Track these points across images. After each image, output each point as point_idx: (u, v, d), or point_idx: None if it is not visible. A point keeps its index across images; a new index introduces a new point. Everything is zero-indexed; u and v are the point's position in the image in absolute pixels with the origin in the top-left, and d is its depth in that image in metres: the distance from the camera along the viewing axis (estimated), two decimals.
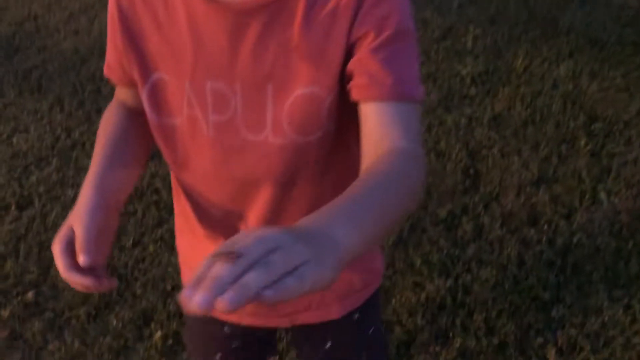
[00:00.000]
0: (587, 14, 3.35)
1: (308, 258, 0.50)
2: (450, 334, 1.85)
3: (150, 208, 2.37)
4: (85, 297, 2.03)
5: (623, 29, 3.20)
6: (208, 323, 1.10)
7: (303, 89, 0.78)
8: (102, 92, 3.07)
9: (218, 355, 1.16)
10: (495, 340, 1.81)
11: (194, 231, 0.99)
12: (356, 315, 1.05)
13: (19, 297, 2.06)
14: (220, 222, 0.94)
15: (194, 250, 1.04)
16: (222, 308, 0.46)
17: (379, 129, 0.74)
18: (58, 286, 2.09)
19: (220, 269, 0.48)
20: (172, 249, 2.19)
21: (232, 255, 0.49)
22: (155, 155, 2.69)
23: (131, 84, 0.87)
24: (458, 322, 1.88)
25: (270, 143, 0.82)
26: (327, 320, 1.04)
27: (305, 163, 0.84)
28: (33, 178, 2.57)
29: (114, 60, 0.88)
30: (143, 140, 0.91)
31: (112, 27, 0.85)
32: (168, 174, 2.63)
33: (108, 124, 0.92)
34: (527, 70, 2.93)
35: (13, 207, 2.43)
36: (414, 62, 0.78)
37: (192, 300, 0.46)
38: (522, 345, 1.80)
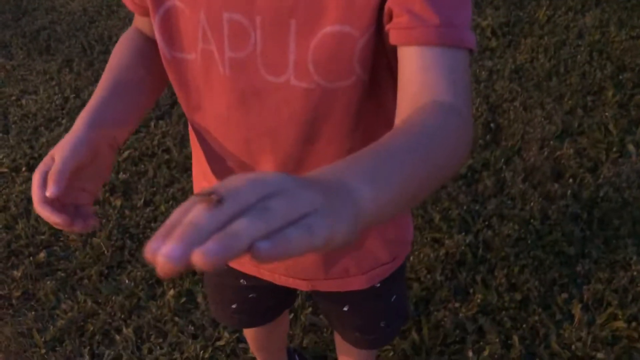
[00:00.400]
0: None
1: (317, 207, 0.39)
2: (471, 290, 1.79)
3: (162, 167, 2.31)
4: (97, 257, 2.00)
5: None
6: (224, 275, 1.05)
7: (332, 27, 0.67)
8: (110, 51, 2.99)
9: (234, 305, 1.12)
10: (518, 296, 1.75)
11: (209, 181, 0.93)
12: (378, 285, 0.99)
13: (31, 258, 2.03)
14: (231, 174, 0.85)
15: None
16: (200, 262, 0.34)
17: (418, 78, 0.63)
18: (70, 246, 2.06)
19: (199, 213, 0.36)
20: None
21: (215, 198, 0.36)
22: (165, 114, 2.64)
23: (146, 12, 0.79)
24: (479, 278, 1.81)
25: (293, 87, 0.72)
26: (347, 290, 0.98)
27: (331, 114, 0.74)
28: (43, 139, 2.53)
29: None
30: (154, 70, 0.83)
31: None
32: (179, 133, 2.59)
33: (118, 50, 0.84)
34: (551, 20, 2.79)
35: (24, 169, 2.40)
36: (466, 3, 0.65)
37: (159, 253, 0.34)
38: (545, 301, 1.74)
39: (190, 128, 0.89)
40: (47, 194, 0.66)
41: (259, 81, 0.73)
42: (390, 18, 0.65)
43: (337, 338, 1.22)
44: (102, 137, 0.74)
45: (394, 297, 1.06)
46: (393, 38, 0.65)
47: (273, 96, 0.74)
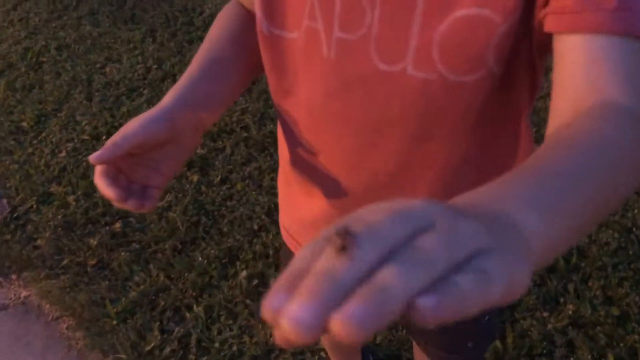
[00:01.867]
0: None
1: (485, 244, 0.29)
2: (561, 300, 1.66)
3: (239, 145, 2.27)
4: (171, 231, 1.98)
5: None
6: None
7: (468, 9, 0.56)
8: (194, 23, 2.98)
9: None
10: (615, 311, 1.60)
11: (289, 180, 0.84)
12: None
13: (107, 227, 2.03)
14: (319, 174, 0.76)
15: (290, 203, 0.89)
16: (342, 331, 0.25)
17: (585, 74, 0.50)
18: (145, 219, 2.05)
19: (334, 261, 0.27)
20: (260, 187, 2.10)
21: (352, 238, 0.27)
22: (245, 91, 2.59)
23: None
24: (571, 287, 1.67)
25: (409, 77, 0.61)
26: None
27: (449, 111, 0.63)
28: (124, 109, 2.53)
29: None
30: (249, 53, 0.75)
31: None
32: (258, 111, 2.54)
33: (216, 28, 0.77)
34: None
35: (104, 137, 2.41)
36: None
37: (285, 315, 0.26)
38: None
39: (278, 124, 0.80)
40: (90, 159, 0.62)
41: (369, 68, 0.63)
42: (547, 1, 0.53)
43: (417, 352, 1.12)
44: (187, 117, 0.68)
45: (487, 317, 0.96)
46: (551, 24, 0.53)
47: (383, 87, 0.63)
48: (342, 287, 0.26)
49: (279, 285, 0.27)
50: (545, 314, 1.63)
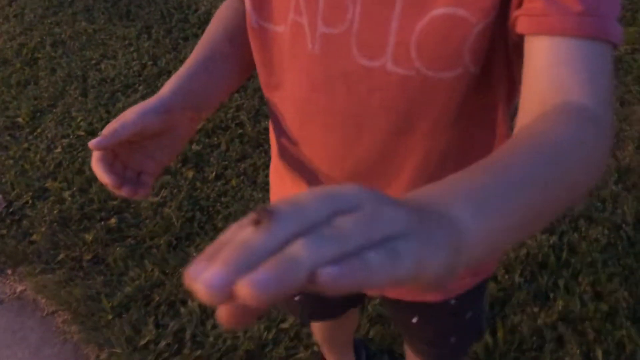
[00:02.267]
0: None
1: (406, 230, 0.31)
2: (551, 296, 1.68)
3: (234, 141, 2.28)
4: (166, 227, 1.99)
5: None
6: None
7: (444, 9, 0.59)
8: (189, 20, 2.98)
9: (297, 297, 1.07)
10: (604, 307, 1.62)
11: (279, 171, 0.86)
12: (453, 301, 0.90)
13: (103, 223, 2.05)
14: (306, 165, 0.78)
15: (280, 194, 0.92)
16: (246, 294, 0.27)
17: (549, 75, 0.53)
18: (140, 214, 2.06)
19: (251, 233, 0.29)
20: (254, 183, 2.11)
21: (273, 214, 0.29)
22: (241, 87, 2.61)
23: None
24: (561, 283, 1.70)
25: (388, 72, 0.64)
26: (419, 301, 0.90)
27: (428, 106, 0.66)
28: (119, 105, 2.54)
29: None
30: (243, 49, 0.78)
31: None
32: (253, 107, 2.54)
33: (213, 24, 0.80)
34: None
35: (99, 133, 2.42)
36: None
37: (199, 279, 0.28)
38: (635, 314, 1.61)
39: (270, 116, 0.82)
40: (90, 144, 0.65)
41: (350, 63, 0.65)
42: (521, 3, 0.55)
43: (406, 346, 1.14)
44: (183, 109, 0.71)
45: (470, 314, 0.97)
46: (521, 26, 0.55)
47: (364, 81, 0.66)
48: (253, 256, 0.28)
49: (202, 255, 0.29)
50: (536, 309, 1.65)
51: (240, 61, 0.78)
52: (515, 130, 0.53)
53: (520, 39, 0.57)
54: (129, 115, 0.67)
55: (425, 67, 0.62)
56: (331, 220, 0.30)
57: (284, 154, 0.82)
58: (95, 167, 0.66)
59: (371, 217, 0.30)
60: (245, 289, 0.27)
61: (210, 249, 0.30)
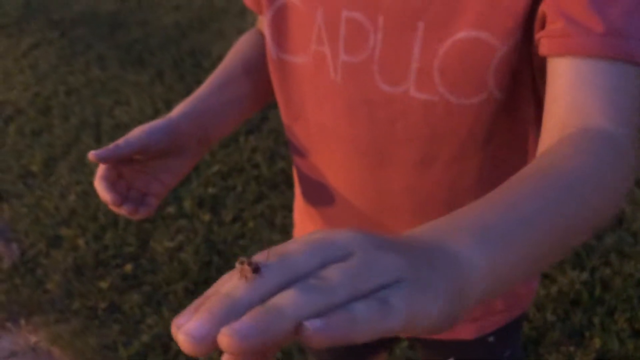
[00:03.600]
0: None
1: (399, 277, 0.30)
2: (587, 334, 1.61)
3: (250, 183, 2.26)
4: (183, 272, 1.94)
5: None
6: None
7: (467, 32, 0.57)
8: (202, 65, 3.01)
9: None
10: None
11: (303, 208, 0.84)
12: (491, 338, 0.85)
13: (118, 269, 2.00)
14: (330, 200, 0.76)
15: (301, 228, 0.89)
16: (226, 345, 0.26)
17: (571, 99, 0.51)
18: (157, 260, 2.02)
19: (236, 283, 0.29)
20: (272, 225, 2.07)
21: (258, 266, 0.29)
22: (255, 128, 2.60)
23: (260, 9, 0.73)
24: (596, 320, 1.63)
25: (411, 98, 0.62)
26: (454, 339, 0.85)
27: (453, 133, 0.64)
28: None
29: None
30: (259, 80, 0.77)
31: None
32: (268, 148, 2.53)
33: (234, 50, 0.80)
34: None
35: None
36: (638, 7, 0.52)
37: (181, 331, 0.28)
38: None
39: (291, 149, 0.80)
40: (89, 154, 0.64)
41: (373, 90, 0.64)
42: (544, 25, 0.54)
43: None
44: (191, 130, 0.70)
45: (508, 352, 0.92)
46: (544, 48, 0.53)
47: (387, 108, 0.64)
48: (236, 307, 0.28)
49: (189, 306, 0.29)
50: (572, 349, 1.58)
51: (255, 91, 0.78)
52: (538, 152, 0.51)
53: (544, 61, 0.55)
54: (135, 132, 0.67)
55: (448, 92, 0.61)
56: (320, 270, 0.29)
57: (306, 189, 0.80)
58: (97, 183, 0.65)
59: (361, 266, 0.30)
60: (225, 338, 0.26)
61: (197, 300, 0.30)
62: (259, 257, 0.30)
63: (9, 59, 3.40)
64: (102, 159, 0.65)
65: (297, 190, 0.85)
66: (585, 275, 1.73)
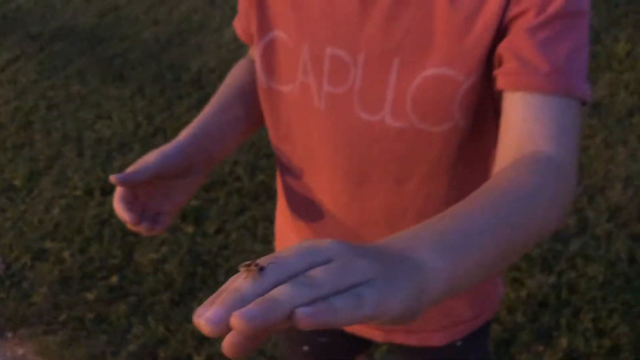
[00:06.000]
0: None
1: (371, 277, 0.38)
2: (555, 334, 1.70)
3: (232, 195, 2.32)
4: (168, 283, 2.00)
5: None
6: None
7: (435, 69, 0.66)
8: (182, 79, 3.06)
9: (305, 348, 1.08)
10: (607, 343, 1.65)
11: (286, 220, 0.91)
12: (459, 343, 0.93)
13: (104, 281, 2.05)
14: (314, 213, 0.83)
15: (283, 239, 0.96)
16: (238, 325, 0.34)
17: (521, 127, 0.60)
18: (142, 271, 2.07)
19: (243, 282, 0.37)
20: (254, 236, 2.14)
21: (260, 267, 0.37)
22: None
23: (251, 40, 0.81)
24: (563, 321, 1.73)
25: (387, 126, 0.71)
26: (425, 345, 0.93)
27: (424, 156, 0.72)
28: (116, 164, 2.57)
29: (242, 11, 0.83)
30: (253, 105, 0.84)
31: None
32: (249, 162, 2.58)
33: (230, 76, 0.88)
34: (630, 55, 2.71)
35: (97, 193, 2.44)
36: (580, 51, 0.62)
37: (202, 317, 0.35)
38: (638, 349, 1.64)
39: (278, 166, 0.87)
40: (111, 178, 0.70)
41: (353, 118, 0.72)
42: (500, 63, 0.63)
43: None
44: (198, 152, 0.77)
45: (475, 356, 0.99)
46: (499, 83, 0.63)
47: (365, 134, 0.72)
48: (244, 298, 0.36)
49: (206, 301, 0.37)
50: (540, 348, 1.67)
51: (249, 114, 0.85)
52: (492, 174, 0.60)
53: (501, 94, 0.64)
54: (152, 157, 0.73)
55: (419, 121, 0.69)
56: (307, 271, 0.37)
57: (292, 203, 0.87)
58: (116, 204, 0.71)
59: (341, 268, 0.37)
60: (236, 319, 0.34)
61: (212, 296, 0.37)
62: (261, 261, 0.38)
63: None
64: (124, 182, 0.70)
65: (281, 202, 0.91)
66: (552, 279, 1.83)
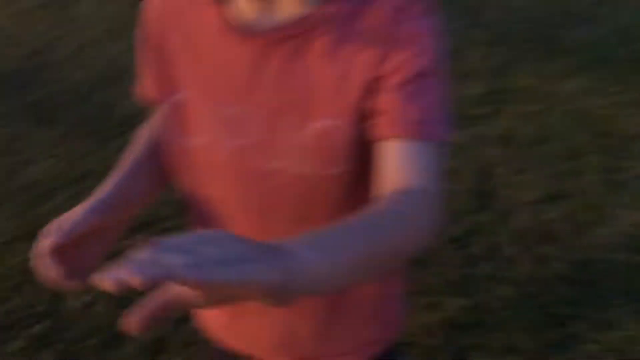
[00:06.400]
0: (592, 32, 3.38)
1: (247, 256, 0.47)
2: (471, 354, 1.82)
3: (160, 235, 2.34)
4: (97, 326, 2.00)
5: (629, 47, 3.22)
6: (220, 356, 1.08)
7: (324, 121, 0.77)
8: (111, 120, 3.08)
9: None
10: (516, 359, 1.78)
11: None
12: None
13: (29, 330, 2.02)
14: None
15: None
16: (132, 279, 0.41)
17: (392, 169, 0.73)
18: (69, 316, 2.06)
19: (139, 252, 0.44)
20: None
21: (155, 242, 0.45)
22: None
23: (161, 100, 0.88)
24: (478, 341, 1.84)
25: (288, 173, 0.80)
26: None
27: (321, 199, 0.82)
28: (44, 209, 2.56)
29: (147, 74, 0.90)
30: (160, 169, 0.92)
31: (144, 43, 0.88)
32: (176, 201, 2.58)
33: (138, 138, 0.95)
34: (531, 89, 2.93)
35: (21, 239, 2.42)
36: (440, 102, 0.75)
37: (104, 279, 0.42)
38: None
39: (190, 213, 0.94)
40: (46, 247, 0.73)
41: (258, 167, 0.81)
42: (373, 116, 0.75)
43: None
44: (118, 208, 0.84)
45: None
46: (372, 134, 0.75)
47: (270, 181, 0.81)
48: (141, 264, 0.42)
49: (109, 269, 0.43)
50: None
51: (160, 172, 0.93)
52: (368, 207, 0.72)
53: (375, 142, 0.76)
54: (78, 214, 0.77)
55: (314, 166, 0.79)
56: (195, 246, 0.45)
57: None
58: (42, 261, 0.74)
59: (220, 246, 0.46)
60: (132, 275, 0.41)
61: (114, 265, 0.44)
62: (154, 239, 0.45)
63: None
64: (58, 245, 0.74)
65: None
66: (466, 301, 1.96)
